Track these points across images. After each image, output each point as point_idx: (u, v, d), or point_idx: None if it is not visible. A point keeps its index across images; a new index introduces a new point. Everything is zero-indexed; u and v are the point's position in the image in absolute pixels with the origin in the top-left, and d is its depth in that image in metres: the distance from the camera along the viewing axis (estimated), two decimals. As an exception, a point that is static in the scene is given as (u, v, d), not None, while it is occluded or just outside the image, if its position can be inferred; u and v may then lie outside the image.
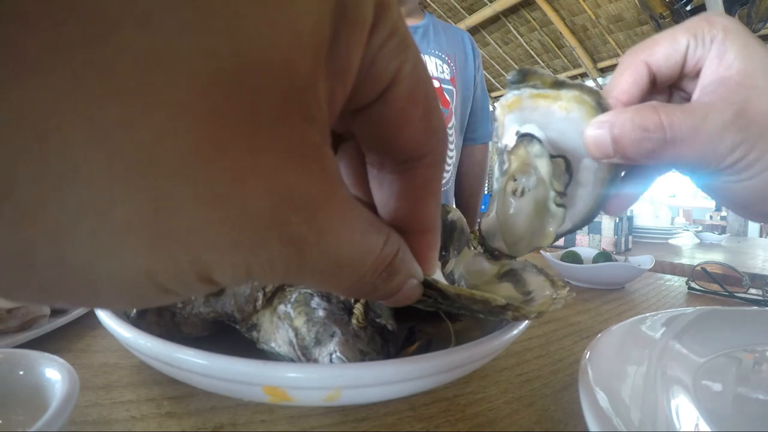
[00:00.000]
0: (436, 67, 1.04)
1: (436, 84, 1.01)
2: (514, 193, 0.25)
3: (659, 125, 0.19)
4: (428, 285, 0.22)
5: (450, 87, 1.05)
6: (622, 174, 0.23)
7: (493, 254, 0.29)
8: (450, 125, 1.07)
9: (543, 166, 0.23)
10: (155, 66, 0.07)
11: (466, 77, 1.11)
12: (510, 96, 0.24)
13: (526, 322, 0.27)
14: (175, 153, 0.07)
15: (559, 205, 0.24)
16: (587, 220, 0.24)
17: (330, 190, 0.10)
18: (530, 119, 0.23)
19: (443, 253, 0.29)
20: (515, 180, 0.25)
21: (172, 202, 0.08)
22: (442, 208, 0.31)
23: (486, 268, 0.30)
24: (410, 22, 1.05)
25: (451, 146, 1.10)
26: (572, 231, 0.25)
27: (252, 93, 0.08)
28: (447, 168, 1.10)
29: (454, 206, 0.44)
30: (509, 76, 0.23)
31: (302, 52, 0.08)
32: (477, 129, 1.18)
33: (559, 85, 0.22)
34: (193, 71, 0.07)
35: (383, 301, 0.14)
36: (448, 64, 1.06)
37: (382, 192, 0.14)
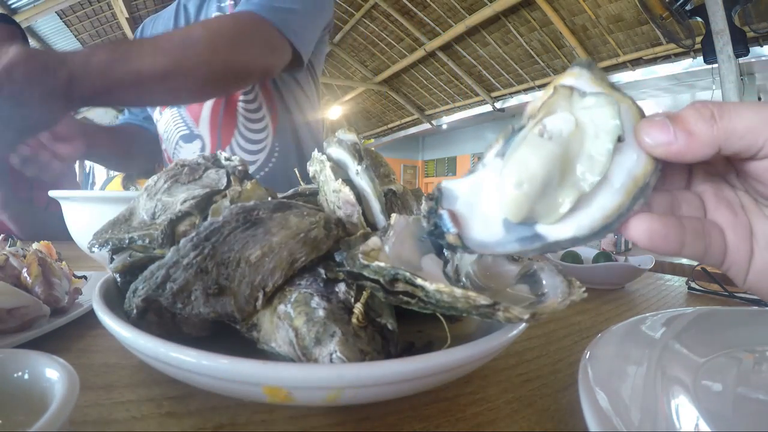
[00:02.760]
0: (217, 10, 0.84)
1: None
2: (540, 136, 0.21)
3: (713, 103, 0.19)
4: (410, 283, 0.21)
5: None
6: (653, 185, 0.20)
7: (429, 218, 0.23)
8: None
9: (602, 116, 0.20)
10: None
11: None
12: (570, 72, 0.22)
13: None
14: None
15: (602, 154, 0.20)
16: (600, 231, 0.20)
17: None
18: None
19: (444, 252, 0.28)
20: (544, 126, 0.21)
21: None
22: None
23: (506, 270, 0.29)
24: None
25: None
26: (575, 243, 0.20)
27: None
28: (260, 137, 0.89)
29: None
30: (577, 61, 0.22)
31: None
32: None
33: (614, 87, 0.21)
34: None
35: None
36: None
37: None
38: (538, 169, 0.20)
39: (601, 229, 0.20)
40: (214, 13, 0.86)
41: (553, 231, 0.21)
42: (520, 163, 0.21)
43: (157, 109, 0.94)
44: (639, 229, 0.20)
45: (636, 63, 5.15)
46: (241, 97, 0.86)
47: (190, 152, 0.90)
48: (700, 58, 3.31)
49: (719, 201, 0.22)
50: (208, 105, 0.87)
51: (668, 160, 0.20)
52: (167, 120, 0.92)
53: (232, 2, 0.84)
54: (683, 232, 0.20)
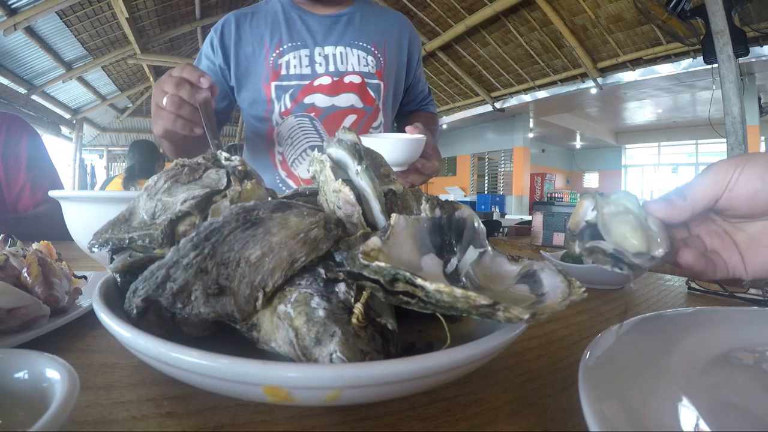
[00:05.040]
0: (359, 60, 0.96)
1: (357, 79, 0.95)
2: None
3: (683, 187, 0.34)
4: (410, 283, 0.22)
5: (376, 81, 0.97)
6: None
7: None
8: (377, 124, 1.00)
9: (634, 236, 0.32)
10: None
11: (399, 65, 1.03)
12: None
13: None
14: None
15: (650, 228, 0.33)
16: (671, 249, 0.32)
17: None
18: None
19: (445, 252, 0.28)
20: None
21: None
22: (450, 206, 0.31)
23: (506, 270, 0.29)
24: (334, 10, 0.96)
25: None
26: (667, 256, 0.32)
27: None
28: None
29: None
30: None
31: None
32: (426, 107, 1.16)
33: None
34: None
35: None
36: (374, 55, 0.97)
37: None
38: (627, 221, 0.33)
39: (670, 248, 0.32)
40: (355, 65, 0.96)
41: (654, 253, 0.31)
42: (617, 225, 0.33)
43: (277, 110, 0.95)
44: (689, 256, 0.33)
45: (636, 63, 5.15)
46: (373, 124, 1.00)
47: None
48: (700, 58, 3.31)
49: (711, 235, 0.35)
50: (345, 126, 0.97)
51: (666, 219, 0.33)
52: (293, 126, 0.95)
53: (379, 62, 0.98)
54: (706, 259, 0.33)
